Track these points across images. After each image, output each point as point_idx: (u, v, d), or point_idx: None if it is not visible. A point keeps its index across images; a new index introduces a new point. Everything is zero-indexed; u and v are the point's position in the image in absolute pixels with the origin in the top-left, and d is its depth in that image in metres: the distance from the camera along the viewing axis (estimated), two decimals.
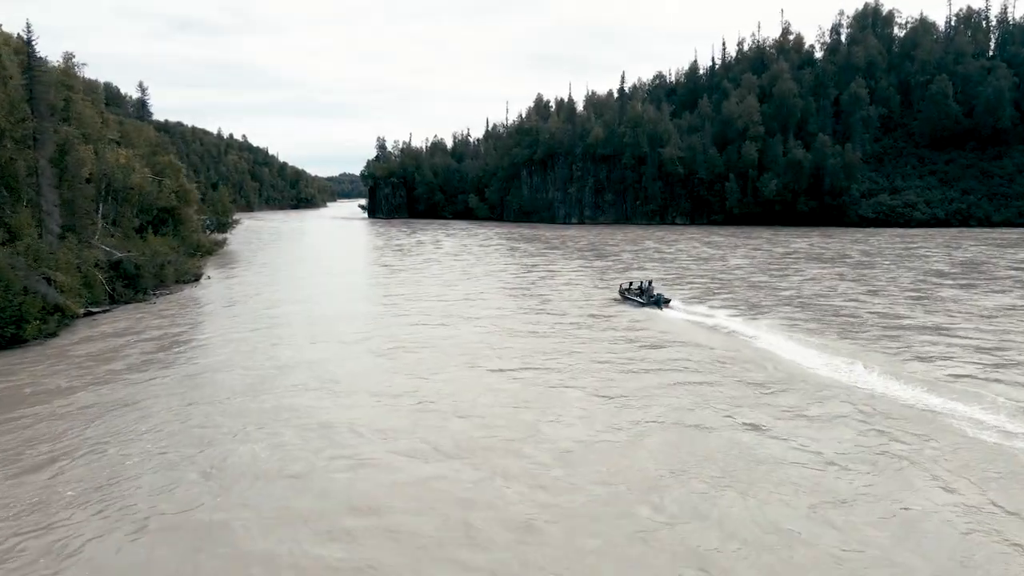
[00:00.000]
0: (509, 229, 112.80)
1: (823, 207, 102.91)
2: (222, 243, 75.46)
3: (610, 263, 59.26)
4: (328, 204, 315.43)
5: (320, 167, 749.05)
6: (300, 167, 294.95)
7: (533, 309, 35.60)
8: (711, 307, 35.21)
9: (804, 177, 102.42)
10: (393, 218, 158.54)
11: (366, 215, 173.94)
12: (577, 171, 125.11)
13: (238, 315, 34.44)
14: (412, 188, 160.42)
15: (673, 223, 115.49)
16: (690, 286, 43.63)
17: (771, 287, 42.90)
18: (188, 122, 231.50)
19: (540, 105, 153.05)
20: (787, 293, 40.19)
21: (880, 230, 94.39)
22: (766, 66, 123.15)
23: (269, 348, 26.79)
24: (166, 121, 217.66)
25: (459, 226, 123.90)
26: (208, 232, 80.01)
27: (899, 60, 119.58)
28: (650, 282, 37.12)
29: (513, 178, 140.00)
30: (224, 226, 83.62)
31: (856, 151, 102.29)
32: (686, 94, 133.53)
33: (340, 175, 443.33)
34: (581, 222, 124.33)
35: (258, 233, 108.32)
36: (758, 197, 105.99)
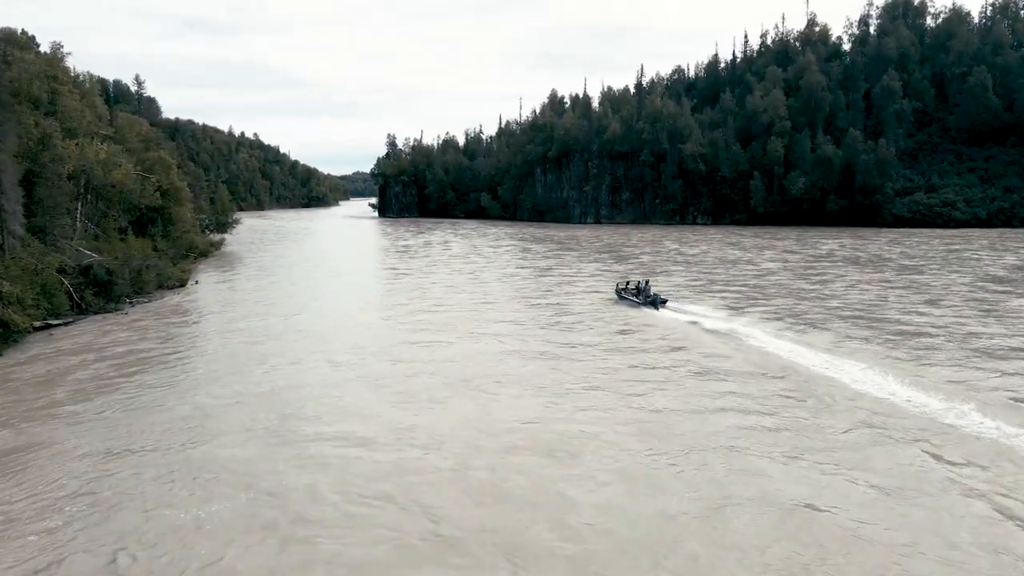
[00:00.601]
0: (522, 229, 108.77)
1: (854, 206, 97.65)
2: (219, 244, 72.03)
3: (630, 266, 54.98)
4: (340, 203, 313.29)
5: (335, 166, 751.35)
6: (314, 166, 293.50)
7: (549, 323, 31.49)
8: (759, 318, 30.96)
9: (834, 174, 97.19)
10: (404, 217, 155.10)
11: (376, 214, 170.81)
12: (593, 169, 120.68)
13: (216, 328, 30.64)
14: (423, 186, 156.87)
15: (694, 223, 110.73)
16: (723, 294, 39.30)
17: (815, 296, 38.47)
18: (201, 121, 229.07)
19: (555, 101, 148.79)
20: (834, 303, 35.77)
21: (915, 231, 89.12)
22: (791, 59, 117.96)
23: (240, 371, 22.92)
24: (176, 119, 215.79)
25: (470, 226, 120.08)
26: (208, 232, 76.90)
27: (932, 52, 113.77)
28: (647, 281, 36.15)
29: (527, 176, 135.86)
30: (224, 226, 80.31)
31: (890, 147, 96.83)
32: (706, 88, 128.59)
33: (354, 173, 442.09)
34: (597, 222, 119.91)
35: (262, 233, 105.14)
36: (784, 196, 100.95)
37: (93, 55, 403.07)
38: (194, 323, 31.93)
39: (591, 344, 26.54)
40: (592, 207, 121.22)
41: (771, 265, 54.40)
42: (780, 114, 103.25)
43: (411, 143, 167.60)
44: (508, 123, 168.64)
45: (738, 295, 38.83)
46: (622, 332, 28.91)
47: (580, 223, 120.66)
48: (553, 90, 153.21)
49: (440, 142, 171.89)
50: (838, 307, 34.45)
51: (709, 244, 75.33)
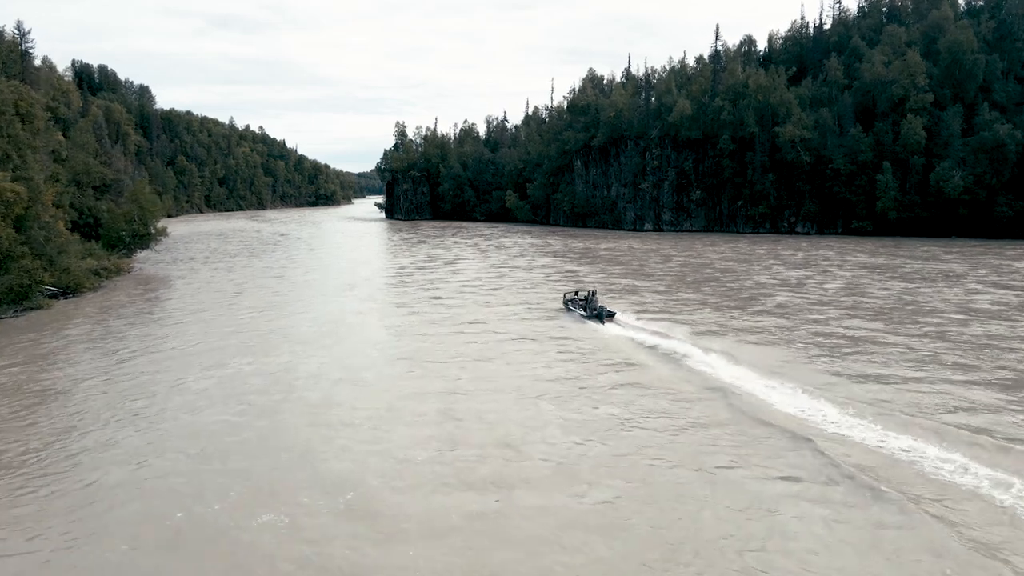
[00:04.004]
0: (557, 237, 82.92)
1: None
2: (114, 270, 47.57)
3: (784, 321, 28.91)
4: (354, 200, 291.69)
5: (357, 163, 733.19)
6: (337, 164, 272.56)
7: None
8: None
9: (1007, 166, 69.59)
10: (413, 219, 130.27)
11: (383, 215, 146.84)
12: (652, 160, 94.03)
13: None
14: (437, 183, 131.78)
15: (791, 232, 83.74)
16: None
17: None
18: (200, 114, 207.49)
19: (595, 79, 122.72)
20: None
21: None
22: (902, 21, 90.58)
23: None
24: (171, 110, 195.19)
25: (489, 232, 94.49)
26: (124, 251, 53.60)
27: None
28: (593, 293, 32.45)
29: (563, 170, 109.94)
30: (143, 239, 56.22)
31: None
32: (788, 61, 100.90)
33: (371, 170, 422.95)
34: (657, 228, 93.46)
35: (223, 242, 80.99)
36: (927, 195, 73.59)
37: (130, 53, 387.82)
38: None
39: None
40: (651, 210, 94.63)
41: None
42: (917, 84, 75.71)
43: (423, 132, 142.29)
44: (536, 108, 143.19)
45: None
46: None
47: (634, 230, 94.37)
48: (591, 69, 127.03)
49: (458, 131, 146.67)
50: None
51: (848, 269, 48.93)
